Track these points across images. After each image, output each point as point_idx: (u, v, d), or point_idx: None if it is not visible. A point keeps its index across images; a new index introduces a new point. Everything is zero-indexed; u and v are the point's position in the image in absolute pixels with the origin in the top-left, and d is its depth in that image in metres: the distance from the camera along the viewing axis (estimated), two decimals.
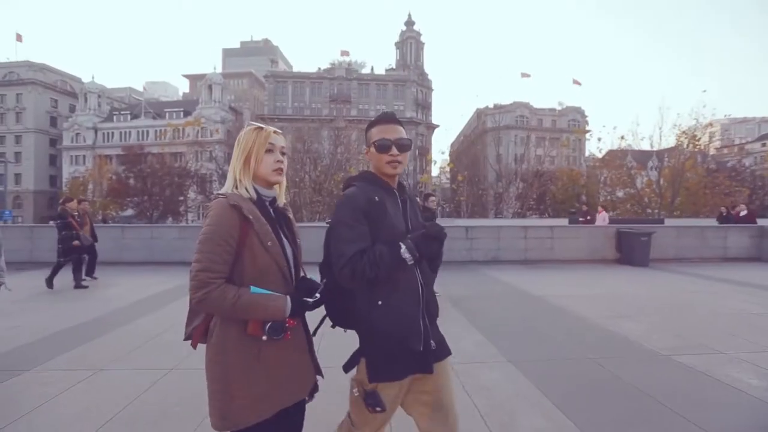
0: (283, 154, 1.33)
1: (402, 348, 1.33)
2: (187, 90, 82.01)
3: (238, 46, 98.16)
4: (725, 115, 34.68)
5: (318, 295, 1.28)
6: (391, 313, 1.34)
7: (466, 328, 4.22)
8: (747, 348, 3.57)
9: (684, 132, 23.78)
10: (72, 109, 56.24)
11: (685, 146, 23.99)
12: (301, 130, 36.74)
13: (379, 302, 1.34)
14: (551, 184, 31.40)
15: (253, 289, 1.18)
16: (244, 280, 1.20)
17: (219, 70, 70.14)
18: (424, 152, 52.47)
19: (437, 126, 60.19)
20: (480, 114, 57.39)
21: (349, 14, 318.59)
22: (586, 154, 37.32)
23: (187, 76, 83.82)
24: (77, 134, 53.66)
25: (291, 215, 1.45)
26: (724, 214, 12.88)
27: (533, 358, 3.38)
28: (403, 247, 1.30)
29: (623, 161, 28.93)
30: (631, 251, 9.21)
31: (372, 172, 1.47)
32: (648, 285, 6.78)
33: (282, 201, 1.41)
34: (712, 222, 13.16)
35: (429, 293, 1.45)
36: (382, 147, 1.41)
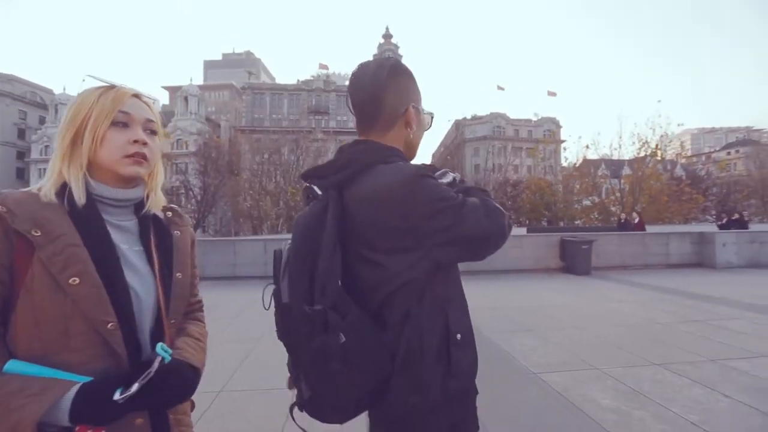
0: (152, 132, 0.84)
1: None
2: (167, 102, 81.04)
3: (219, 58, 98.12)
4: (678, 125, 36.30)
5: (136, 386, 0.68)
6: (471, 351, 0.88)
7: None
8: (624, 362, 3.41)
9: (646, 142, 24.43)
10: (42, 120, 54.76)
11: (648, 155, 24.60)
12: (279, 141, 36.49)
13: (458, 335, 0.83)
14: (522, 192, 31.74)
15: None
16: (19, 347, 0.69)
17: (200, 81, 69.75)
18: None
19: None
20: (458, 125, 58.05)
21: (331, 28, 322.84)
22: (563, 163, 38.01)
23: (166, 88, 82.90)
24: (46, 147, 52.08)
25: (181, 228, 0.93)
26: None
27: None
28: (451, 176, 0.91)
29: (595, 170, 29.49)
30: (573, 260, 9.13)
31: (400, 150, 0.93)
32: (577, 295, 6.64)
33: (159, 206, 0.89)
34: (672, 228, 13.39)
35: None
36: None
